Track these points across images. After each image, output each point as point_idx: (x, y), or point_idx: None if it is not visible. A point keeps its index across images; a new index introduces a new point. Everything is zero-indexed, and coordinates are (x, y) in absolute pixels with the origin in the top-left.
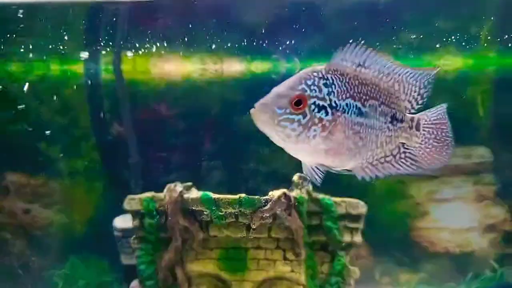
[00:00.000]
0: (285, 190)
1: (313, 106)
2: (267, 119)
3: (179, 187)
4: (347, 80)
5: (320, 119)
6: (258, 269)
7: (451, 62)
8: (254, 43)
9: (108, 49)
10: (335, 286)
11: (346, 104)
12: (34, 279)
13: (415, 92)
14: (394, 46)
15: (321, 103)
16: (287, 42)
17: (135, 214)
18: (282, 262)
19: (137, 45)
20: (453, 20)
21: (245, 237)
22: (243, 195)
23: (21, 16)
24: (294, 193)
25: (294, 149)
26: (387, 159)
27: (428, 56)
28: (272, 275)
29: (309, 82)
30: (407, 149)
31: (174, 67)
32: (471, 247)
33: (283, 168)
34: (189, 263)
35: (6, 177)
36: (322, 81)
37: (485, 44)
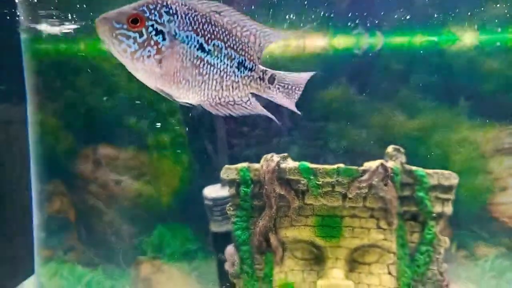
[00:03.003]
0: (382, 160)
1: (150, 29)
2: (106, 30)
3: (276, 157)
4: (192, 16)
5: (156, 42)
6: (352, 236)
7: None
8: (337, 18)
9: None
10: (425, 255)
11: (186, 36)
12: (125, 246)
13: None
14: (481, 20)
15: (159, 27)
16: (370, 17)
17: (231, 183)
18: (376, 230)
19: None
20: None
21: (341, 206)
22: (341, 165)
23: None
24: (390, 164)
25: (131, 67)
26: (237, 102)
27: None
28: (366, 243)
29: (151, 6)
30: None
31: None
32: None
33: (361, 144)
34: (284, 229)
35: (99, 150)
36: (164, 9)
37: None
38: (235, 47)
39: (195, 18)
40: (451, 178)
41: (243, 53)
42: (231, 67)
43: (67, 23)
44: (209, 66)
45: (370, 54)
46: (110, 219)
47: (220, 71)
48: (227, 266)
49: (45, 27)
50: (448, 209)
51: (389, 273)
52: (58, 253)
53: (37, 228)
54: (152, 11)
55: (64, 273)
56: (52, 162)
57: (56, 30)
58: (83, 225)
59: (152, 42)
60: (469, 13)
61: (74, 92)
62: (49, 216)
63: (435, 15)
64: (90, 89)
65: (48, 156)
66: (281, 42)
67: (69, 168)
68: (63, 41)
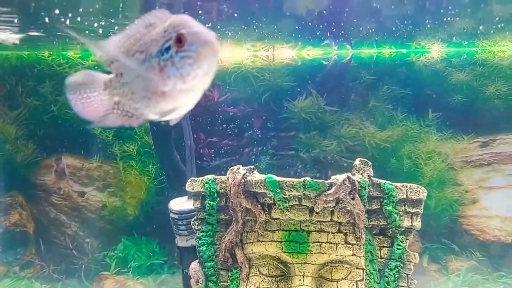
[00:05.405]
0: (348, 174)
1: None
2: None
3: (242, 169)
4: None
5: None
6: (320, 252)
7: (506, 49)
8: (306, 29)
9: None
10: (395, 271)
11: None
12: (87, 261)
13: None
14: (448, 33)
15: None
16: (339, 29)
17: (197, 196)
18: (343, 245)
19: None
20: (509, 5)
21: (307, 220)
22: (308, 178)
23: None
24: (357, 177)
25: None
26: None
27: (483, 42)
28: (333, 258)
29: None
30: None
31: (226, 53)
32: None
33: (330, 154)
34: (250, 244)
35: (62, 160)
36: None
37: None
38: None
39: None
40: (420, 192)
41: None
42: None
43: (29, 29)
44: None
45: (339, 66)
46: (72, 233)
47: None
48: (192, 283)
49: (5, 34)
50: (417, 223)
51: None
52: (13, 269)
53: None
54: None
55: None
56: (10, 172)
57: (17, 36)
58: (42, 239)
59: None
60: (436, 26)
61: (36, 100)
62: (6, 230)
63: (404, 28)
64: (53, 97)
65: (6, 167)
66: (250, 52)
67: (29, 179)
68: (25, 47)
